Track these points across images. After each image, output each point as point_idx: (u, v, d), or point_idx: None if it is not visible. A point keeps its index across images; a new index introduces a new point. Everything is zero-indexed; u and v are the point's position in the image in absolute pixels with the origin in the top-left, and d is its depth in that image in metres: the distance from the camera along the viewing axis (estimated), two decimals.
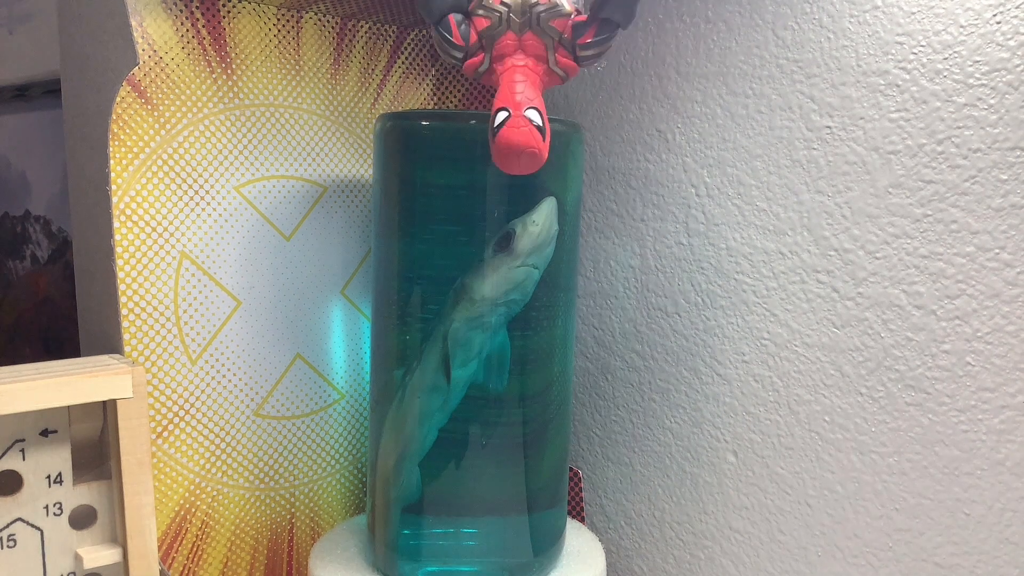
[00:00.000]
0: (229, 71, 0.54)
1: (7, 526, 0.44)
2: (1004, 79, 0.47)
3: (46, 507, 0.45)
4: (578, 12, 0.44)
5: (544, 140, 0.41)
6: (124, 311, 0.50)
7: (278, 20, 0.56)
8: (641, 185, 0.60)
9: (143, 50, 0.49)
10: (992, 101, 0.47)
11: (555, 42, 0.44)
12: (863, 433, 0.52)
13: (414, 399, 0.50)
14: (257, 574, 0.57)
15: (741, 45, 0.55)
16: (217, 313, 0.54)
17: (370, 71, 0.61)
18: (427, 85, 0.64)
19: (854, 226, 0.52)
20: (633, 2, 0.43)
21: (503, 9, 0.43)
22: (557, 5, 0.43)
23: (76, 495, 0.46)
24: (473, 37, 0.44)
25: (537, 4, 0.43)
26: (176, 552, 0.53)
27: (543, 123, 0.41)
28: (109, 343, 0.51)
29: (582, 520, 0.64)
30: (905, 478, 0.51)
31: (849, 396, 0.53)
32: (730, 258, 0.57)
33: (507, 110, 0.41)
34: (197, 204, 0.53)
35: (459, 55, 0.45)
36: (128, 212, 0.50)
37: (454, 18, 0.44)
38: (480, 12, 0.44)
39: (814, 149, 0.53)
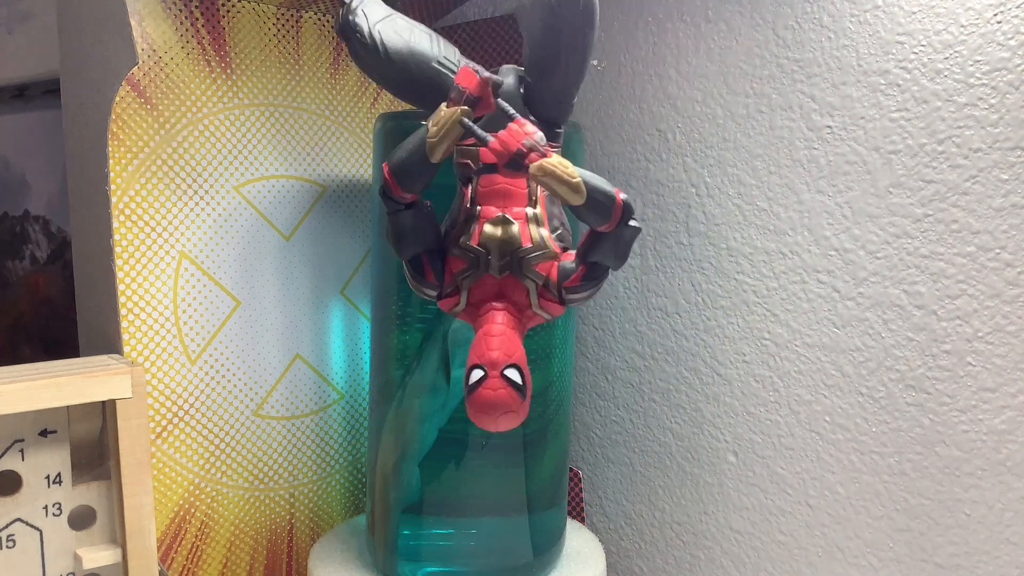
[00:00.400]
0: (229, 71, 0.54)
1: (6, 526, 0.44)
2: (1005, 79, 0.47)
3: (45, 507, 0.45)
4: (564, 249, 0.40)
5: (524, 399, 0.37)
6: (123, 311, 0.50)
7: (278, 20, 0.56)
8: (641, 185, 0.60)
9: (142, 50, 0.49)
10: (993, 101, 0.47)
11: (538, 286, 0.39)
12: (864, 433, 0.52)
13: (414, 399, 0.49)
14: (256, 574, 0.57)
15: (741, 45, 0.55)
16: (216, 313, 0.54)
17: None
18: None
19: (855, 226, 0.52)
20: (627, 247, 0.39)
21: (480, 251, 0.39)
22: (543, 248, 0.39)
23: (75, 495, 0.45)
24: (448, 276, 0.40)
25: (519, 247, 0.39)
26: (175, 552, 0.53)
27: (523, 381, 0.37)
28: (108, 343, 0.51)
29: (582, 520, 0.64)
30: (906, 478, 0.51)
31: (850, 396, 0.53)
32: (730, 258, 0.56)
33: (483, 369, 0.37)
34: (197, 204, 0.53)
35: (433, 294, 0.41)
36: (128, 212, 0.50)
37: (427, 255, 0.40)
38: (455, 252, 0.40)
39: (815, 149, 0.53)
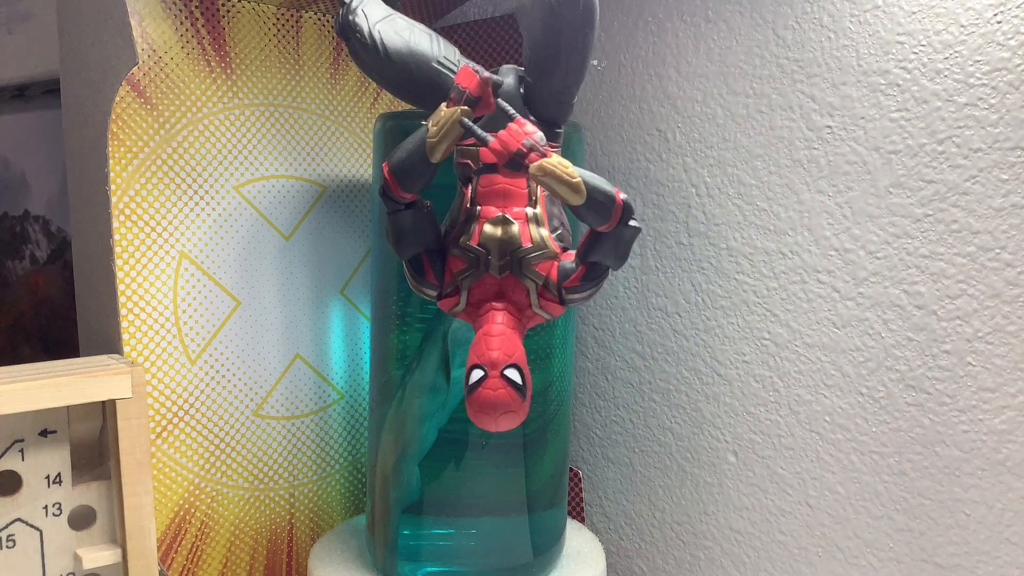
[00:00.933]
0: (229, 71, 0.54)
1: (6, 526, 0.44)
2: (1005, 79, 0.47)
3: (45, 507, 0.45)
4: (564, 249, 0.40)
5: (524, 399, 0.37)
6: (123, 311, 0.50)
7: (278, 20, 0.56)
8: (641, 185, 0.60)
9: (142, 50, 0.49)
10: (993, 101, 0.47)
11: (538, 285, 0.39)
12: (864, 433, 0.52)
13: (414, 399, 0.49)
14: (256, 574, 0.57)
15: (742, 45, 0.55)
16: (216, 313, 0.54)
17: None
18: None
19: (855, 226, 0.52)
20: (627, 247, 0.39)
21: (480, 251, 0.39)
22: (543, 248, 0.39)
23: (75, 495, 0.45)
24: (448, 275, 0.40)
25: (519, 247, 0.39)
26: (175, 552, 0.53)
27: (523, 380, 0.37)
28: (108, 343, 0.51)
29: (582, 520, 0.64)
30: (906, 478, 0.51)
31: (850, 396, 0.53)
32: (730, 258, 0.56)
33: (483, 369, 0.37)
34: (197, 204, 0.53)
35: (432, 294, 0.41)
36: (127, 212, 0.50)
37: (427, 254, 0.40)
38: (455, 252, 0.39)
39: (815, 149, 0.53)
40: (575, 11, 0.38)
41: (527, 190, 0.39)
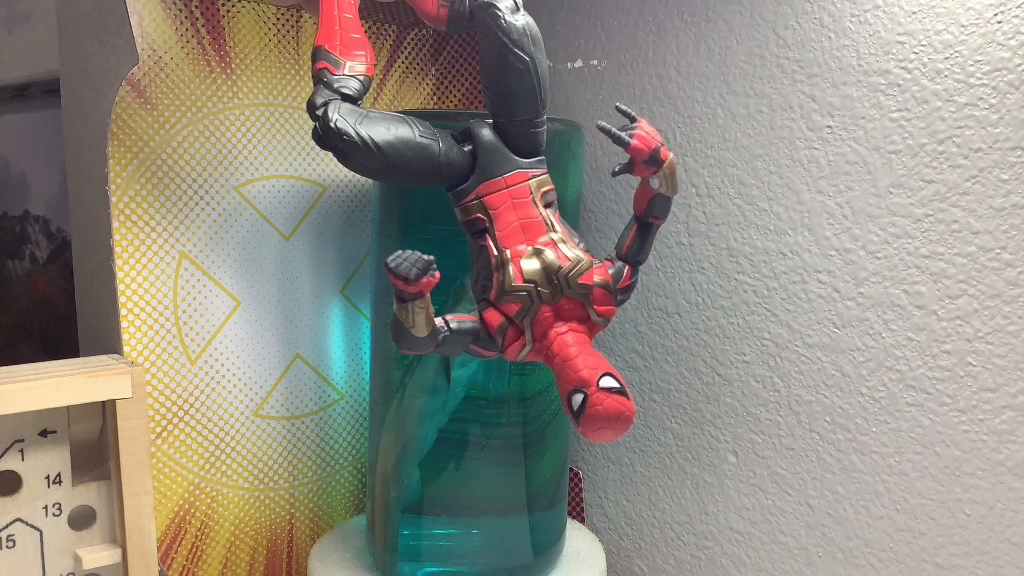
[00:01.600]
0: (229, 71, 0.54)
1: (6, 526, 0.44)
2: (1005, 79, 0.47)
3: (45, 507, 0.45)
4: (589, 255, 0.43)
5: (629, 398, 0.39)
6: (123, 311, 0.50)
7: (278, 19, 0.56)
8: None
9: (143, 50, 0.49)
10: (993, 101, 0.47)
11: (589, 296, 0.41)
12: (864, 433, 0.52)
13: (414, 399, 0.49)
14: (256, 574, 0.57)
15: (742, 45, 0.55)
16: (216, 313, 0.54)
17: None
18: (427, 85, 0.64)
19: (855, 226, 0.52)
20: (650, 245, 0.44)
21: (529, 287, 0.41)
22: (579, 261, 0.41)
23: (75, 495, 0.45)
24: (495, 321, 0.41)
25: (559, 268, 0.41)
26: (175, 552, 0.53)
27: (620, 382, 0.39)
28: (108, 343, 0.51)
29: (582, 520, 0.64)
30: (906, 479, 0.51)
31: (850, 396, 0.53)
32: (731, 258, 0.56)
33: (582, 391, 0.39)
34: (197, 204, 0.53)
35: (494, 352, 0.42)
36: (127, 212, 0.50)
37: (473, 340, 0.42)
38: (507, 299, 0.41)
39: (815, 149, 0.53)
40: (522, 45, 0.40)
41: (541, 218, 0.42)
